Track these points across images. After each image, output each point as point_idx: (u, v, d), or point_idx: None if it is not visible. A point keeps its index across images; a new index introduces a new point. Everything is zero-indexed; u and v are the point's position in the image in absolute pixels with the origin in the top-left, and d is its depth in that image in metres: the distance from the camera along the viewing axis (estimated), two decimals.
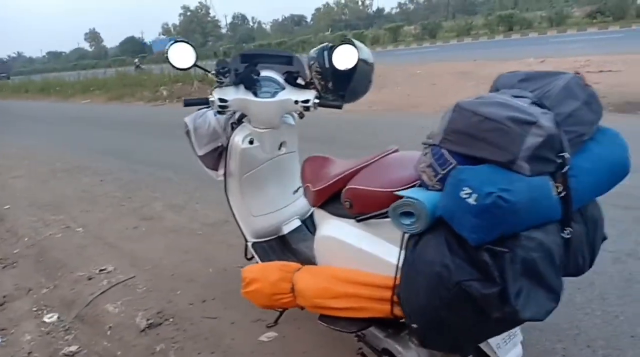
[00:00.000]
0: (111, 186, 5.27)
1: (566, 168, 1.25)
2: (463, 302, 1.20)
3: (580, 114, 1.35)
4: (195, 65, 2.11)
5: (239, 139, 2.20)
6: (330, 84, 2.10)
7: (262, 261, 2.28)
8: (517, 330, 1.56)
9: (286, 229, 2.41)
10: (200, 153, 2.30)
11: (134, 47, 71.71)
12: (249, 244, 2.36)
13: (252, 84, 2.14)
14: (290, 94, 2.14)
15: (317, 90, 2.14)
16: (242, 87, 2.13)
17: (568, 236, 1.29)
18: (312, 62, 2.13)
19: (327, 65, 2.05)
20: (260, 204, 2.35)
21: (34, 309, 2.81)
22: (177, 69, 2.08)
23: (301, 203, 2.48)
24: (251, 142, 2.20)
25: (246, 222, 2.34)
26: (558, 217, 1.27)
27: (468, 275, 1.20)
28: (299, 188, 2.45)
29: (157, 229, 3.92)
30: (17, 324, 2.65)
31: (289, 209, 2.45)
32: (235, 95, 2.10)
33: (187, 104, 2.17)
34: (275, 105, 2.14)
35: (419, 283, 1.29)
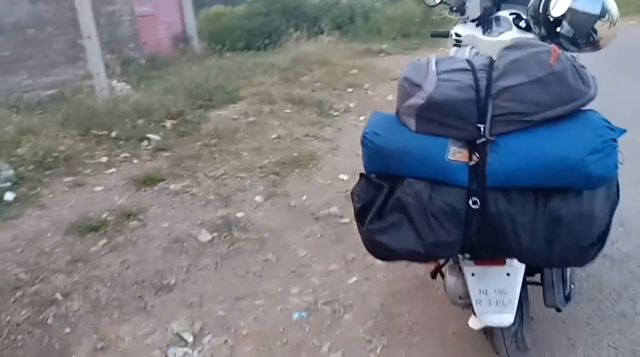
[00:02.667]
0: None
1: (480, 140, 1.32)
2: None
3: (522, 91, 1.31)
4: (442, 2, 2.53)
5: None
6: (543, 31, 2.13)
7: None
8: (509, 298, 1.60)
9: None
10: None
11: None
12: None
13: (486, 22, 2.39)
14: (510, 36, 2.27)
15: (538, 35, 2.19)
16: (479, 24, 2.42)
17: (475, 207, 1.36)
18: (529, 7, 2.18)
19: (540, 10, 2.09)
20: None
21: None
22: (428, 5, 2.57)
23: None
24: None
25: None
26: (462, 183, 1.37)
27: (358, 189, 1.54)
28: None
29: None
30: None
31: None
32: (468, 31, 2.42)
33: (433, 35, 2.67)
34: (494, 45, 2.30)
35: None
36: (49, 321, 2.27)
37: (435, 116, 1.37)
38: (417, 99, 1.37)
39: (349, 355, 2.02)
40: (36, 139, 4.30)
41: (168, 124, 5.13)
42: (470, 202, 1.37)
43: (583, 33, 2.06)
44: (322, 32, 11.05)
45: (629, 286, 2.25)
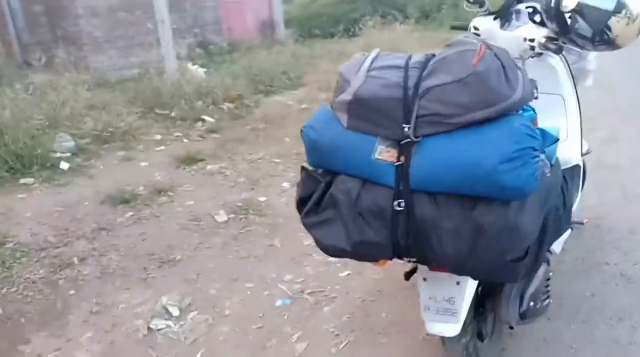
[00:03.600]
0: None
1: (405, 141, 1.27)
2: None
3: (445, 91, 1.24)
4: None
5: None
6: (554, 25, 2.02)
7: None
8: (456, 308, 1.53)
9: None
10: None
11: None
12: None
13: (504, 16, 2.25)
14: (525, 30, 2.13)
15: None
16: (497, 17, 2.28)
17: (399, 208, 1.31)
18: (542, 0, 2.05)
19: (552, 3, 1.97)
20: None
21: None
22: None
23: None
24: None
25: None
26: (389, 183, 1.32)
27: (299, 182, 1.52)
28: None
29: None
30: None
31: None
32: (486, 25, 2.30)
33: (453, 27, 2.55)
34: (509, 40, 2.18)
35: None
36: (60, 282, 2.50)
37: (363, 113, 1.33)
38: (346, 95, 1.34)
39: (313, 347, 2.02)
40: (101, 114, 4.67)
41: (225, 106, 5.33)
42: (396, 203, 1.32)
43: (596, 30, 1.92)
44: (396, 20, 10.79)
45: (636, 311, 2.03)
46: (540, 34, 2.08)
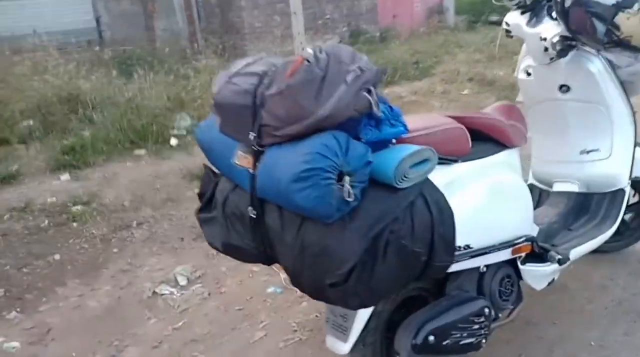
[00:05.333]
0: None
1: (253, 149, 1.28)
2: None
3: (272, 102, 1.21)
4: None
5: (521, 67, 2.12)
6: (562, 23, 1.76)
7: None
8: (347, 326, 1.46)
9: (555, 187, 2.12)
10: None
11: None
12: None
13: (533, 10, 1.98)
14: (543, 28, 1.86)
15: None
16: (525, 12, 2.02)
17: (251, 215, 1.32)
18: None
19: None
20: (536, 145, 2.20)
21: None
22: None
23: (592, 170, 2.03)
24: (529, 74, 2.06)
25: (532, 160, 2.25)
26: (246, 188, 1.32)
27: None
28: (592, 150, 2.00)
29: None
30: None
31: (567, 168, 2.10)
32: (515, 20, 2.04)
33: (489, 22, 2.31)
34: (531, 38, 1.93)
35: None
36: (113, 240, 2.92)
37: (225, 118, 1.35)
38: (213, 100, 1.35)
39: (268, 337, 2.07)
40: None
41: None
42: (249, 209, 1.31)
43: (600, 29, 1.62)
44: None
45: None
46: (552, 32, 1.80)
